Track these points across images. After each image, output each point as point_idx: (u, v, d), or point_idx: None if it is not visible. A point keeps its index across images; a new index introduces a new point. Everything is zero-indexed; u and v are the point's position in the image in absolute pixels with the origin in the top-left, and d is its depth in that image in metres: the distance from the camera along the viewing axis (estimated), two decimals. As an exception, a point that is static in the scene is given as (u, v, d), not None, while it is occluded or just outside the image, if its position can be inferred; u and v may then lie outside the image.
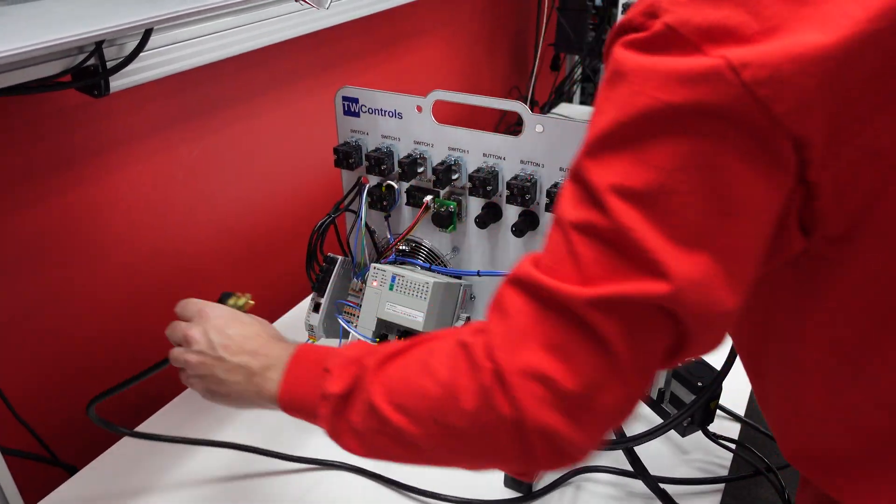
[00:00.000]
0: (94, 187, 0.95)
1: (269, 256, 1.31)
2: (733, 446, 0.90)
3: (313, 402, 0.57)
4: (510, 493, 0.85)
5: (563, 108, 2.14)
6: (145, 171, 1.02)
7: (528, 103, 1.97)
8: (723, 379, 0.84)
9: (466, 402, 0.48)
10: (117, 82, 0.82)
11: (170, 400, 1.01)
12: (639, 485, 0.86)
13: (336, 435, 0.57)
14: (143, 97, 0.98)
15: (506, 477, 0.85)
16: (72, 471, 0.90)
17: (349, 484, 0.87)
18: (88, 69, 0.77)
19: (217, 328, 0.68)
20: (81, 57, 0.75)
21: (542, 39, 2.04)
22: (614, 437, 0.78)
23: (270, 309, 1.24)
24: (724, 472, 0.88)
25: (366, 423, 0.54)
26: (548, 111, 2.08)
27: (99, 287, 1.00)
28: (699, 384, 0.84)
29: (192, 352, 0.68)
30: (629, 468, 0.85)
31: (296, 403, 0.60)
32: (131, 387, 0.79)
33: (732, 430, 0.94)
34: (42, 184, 0.89)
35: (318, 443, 0.92)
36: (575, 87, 2.29)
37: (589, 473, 0.87)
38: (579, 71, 2.24)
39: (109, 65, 0.78)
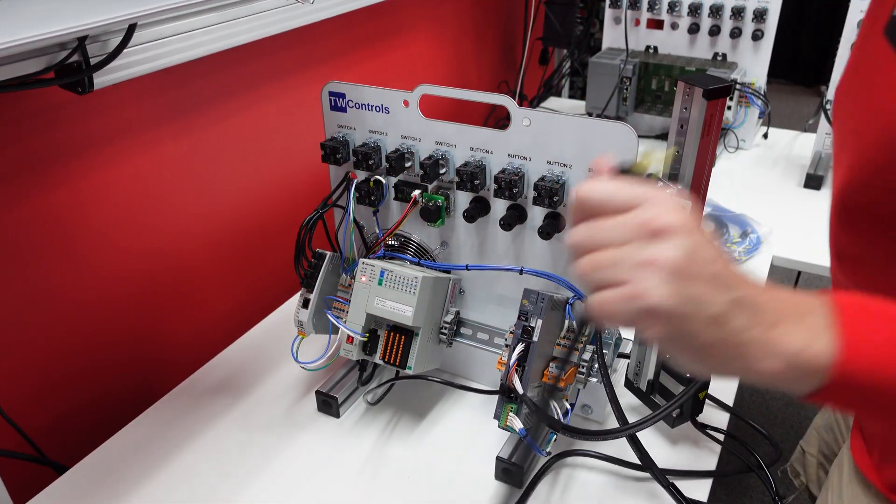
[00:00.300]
0: (79, 186, 0.95)
1: (258, 253, 1.30)
2: (722, 438, 0.91)
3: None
4: (502, 486, 0.85)
5: (551, 102, 2.14)
6: (132, 169, 1.02)
7: (517, 98, 1.97)
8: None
9: None
10: (101, 79, 0.82)
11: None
12: (627, 475, 0.86)
13: None
14: (128, 94, 0.97)
15: (496, 469, 0.86)
16: (61, 470, 0.89)
17: (333, 489, 0.87)
18: (72, 66, 0.77)
19: (696, 243, 0.44)
20: (64, 54, 0.75)
21: (529, 34, 2.04)
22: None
23: (260, 306, 1.24)
24: (714, 462, 0.88)
25: None
26: (537, 105, 2.08)
27: (86, 286, 1.00)
28: (688, 375, 0.84)
29: (667, 281, 0.43)
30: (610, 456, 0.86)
31: (883, 369, 0.42)
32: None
33: (722, 420, 0.94)
34: (27, 182, 0.89)
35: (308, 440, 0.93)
36: (563, 81, 2.29)
37: (578, 457, 0.88)
38: (568, 65, 2.24)
39: (93, 61, 0.77)
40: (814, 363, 0.43)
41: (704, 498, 0.82)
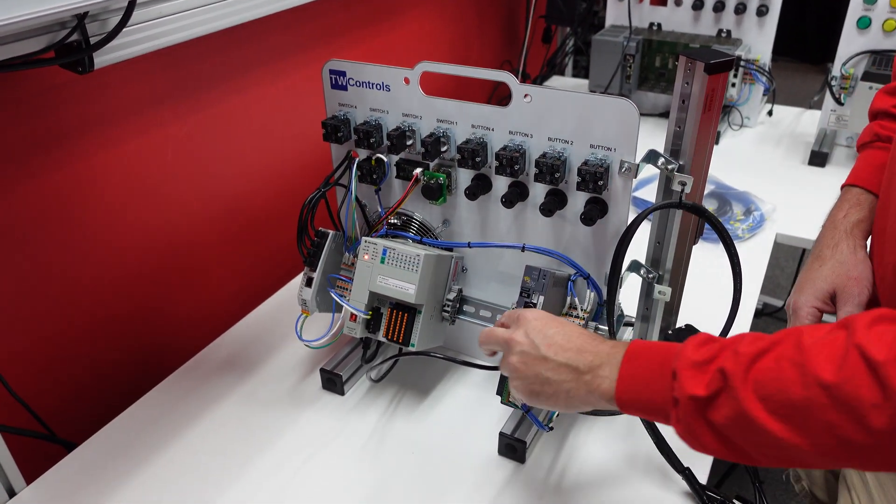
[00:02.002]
0: (83, 166, 0.95)
1: (261, 233, 1.31)
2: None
3: (661, 403, 0.56)
4: (505, 461, 0.86)
5: (555, 81, 2.13)
6: (135, 149, 1.02)
7: (520, 76, 1.96)
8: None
9: (877, 420, 0.44)
10: (102, 58, 0.82)
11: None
12: (626, 454, 0.87)
13: (690, 435, 0.55)
14: (130, 74, 0.97)
15: (500, 445, 0.86)
16: (70, 447, 0.91)
17: (338, 465, 0.88)
18: (72, 45, 0.77)
19: (538, 329, 0.67)
20: (64, 33, 0.75)
21: (532, 12, 2.02)
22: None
23: (265, 285, 1.25)
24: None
25: (732, 427, 0.52)
26: (540, 84, 2.07)
27: (92, 266, 1.01)
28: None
29: (515, 353, 0.68)
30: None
31: (638, 403, 0.59)
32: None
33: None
34: (31, 163, 0.89)
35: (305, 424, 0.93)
36: (567, 59, 2.28)
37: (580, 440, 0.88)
38: (571, 43, 2.23)
39: (93, 40, 0.77)
40: (608, 398, 0.61)
41: (704, 480, 0.83)
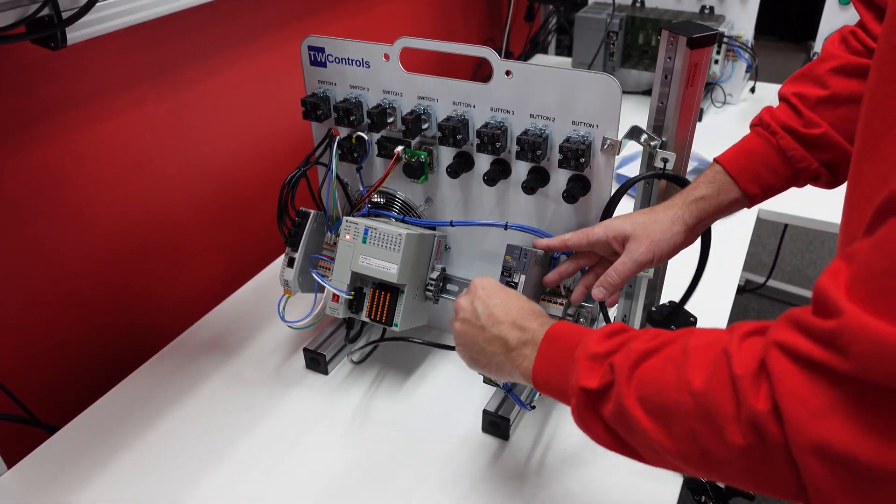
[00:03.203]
0: (58, 147, 0.93)
1: (244, 213, 1.30)
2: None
3: (565, 389, 0.57)
4: (489, 438, 0.86)
5: (538, 59, 2.11)
6: (112, 129, 1.00)
7: (503, 55, 1.95)
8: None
9: (732, 434, 0.44)
10: (75, 34, 0.80)
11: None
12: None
13: (584, 425, 0.56)
14: (105, 52, 0.95)
15: (483, 422, 0.87)
16: (52, 430, 0.90)
17: (323, 444, 0.88)
18: (43, 20, 0.75)
19: (482, 298, 0.69)
20: (34, 7, 0.73)
21: (515, -11, 2.00)
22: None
23: (249, 265, 1.24)
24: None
25: (617, 422, 0.52)
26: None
27: (72, 247, 0.99)
28: (672, 328, 0.85)
29: (459, 320, 0.70)
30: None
31: (549, 386, 0.60)
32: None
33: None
34: (2, 145, 0.87)
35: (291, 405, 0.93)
36: (550, 37, 2.26)
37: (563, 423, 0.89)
38: (554, 21, 2.21)
39: (65, 15, 0.75)
40: (527, 377, 0.62)
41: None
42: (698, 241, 0.81)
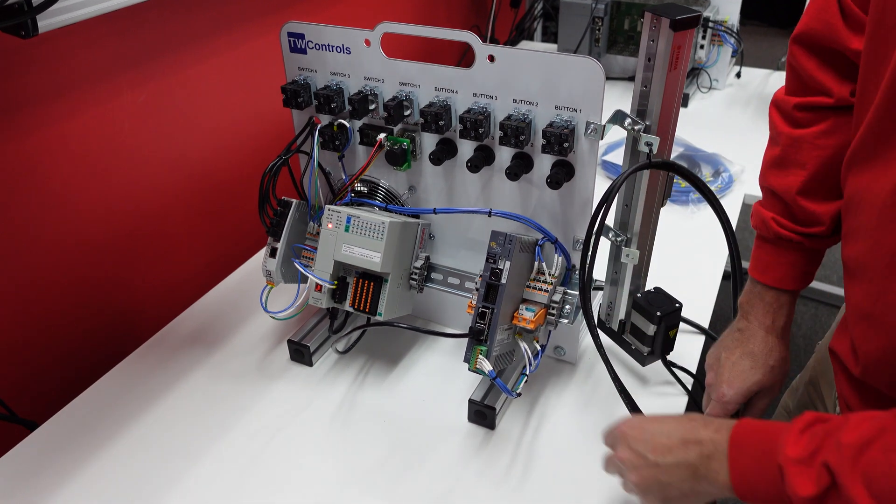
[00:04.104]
0: (32, 139, 0.91)
1: (227, 203, 1.28)
2: (691, 380, 0.92)
3: (780, 496, 0.54)
4: (475, 427, 0.86)
5: (524, 46, 2.10)
6: (88, 121, 0.99)
7: (488, 42, 1.93)
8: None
9: None
10: (46, 21, 0.78)
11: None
12: (596, 418, 0.87)
13: None
14: (79, 41, 0.93)
15: (469, 412, 0.86)
16: (32, 427, 0.89)
17: (308, 436, 0.87)
18: (13, 7, 0.73)
19: (636, 438, 0.66)
20: (3, -6, 0.71)
21: (500, -25, 1.98)
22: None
23: (232, 256, 1.22)
24: (684, 402, 0.90)
25: None
26: (509, 49, 2.04)
27: (49, 240, 0.98)
28: (658, 314, 0.85)
29: (629, 471, 0.66)
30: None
31: (758, 496, 0.57)
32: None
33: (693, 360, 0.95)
34: (-25, 134, 0.85)
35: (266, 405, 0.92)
36: (536, 23, 2.25)
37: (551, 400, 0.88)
38: (539, 7, 2.20)
39: (35, 1, 0.73)
40: (727, 489, 0.59)
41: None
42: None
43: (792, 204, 0.81)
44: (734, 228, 1.22)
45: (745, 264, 0.90)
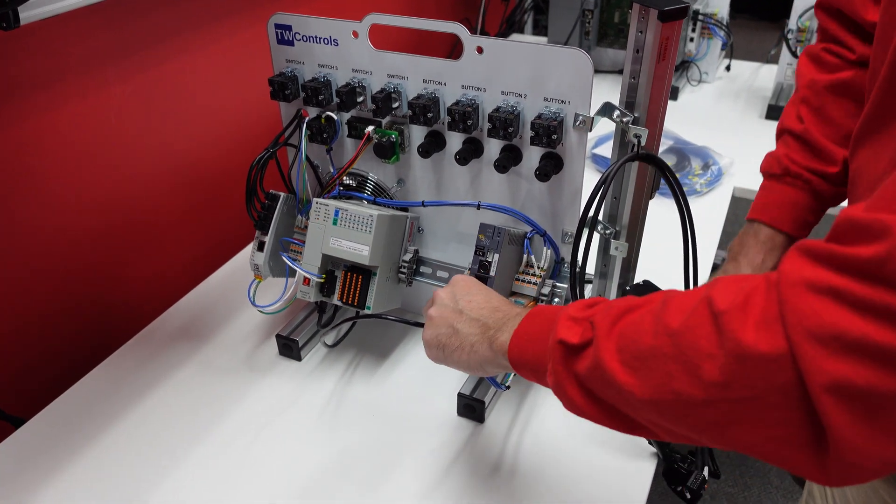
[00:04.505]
0: (14, 132, 0.90)
1: (216, 197, 1.27)
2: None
3: (542, 356, 0.56)
4: (464, 421, 0.85)
5: (515, 38, 2.09)
6: (74, 114, 0.97)
7: (479, 34, 1.93)
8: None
9: (708, 371, 0.42)
10: (28, 13, 0.77)
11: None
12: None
13: (559, 387, 0.54)
14: (64, 32, 0.92)
15: (458, 405, 0.86)
16: (18, 423, 0.88)
17: (297, 430, 0.87)
18: (-7, -1, 0.72)
19: (462, 287, 0.70)
20: (-17, -15, 0.70)
21: (490, -33, 1.97)
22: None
23: (220, 251, 1.21)
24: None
25: (592, 379, 0.51)
26: (499, 42, 2.04)
27: (35, 233, 0.96)
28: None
29: (436, 305, 0.70)
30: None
31: (525, 357, 0.59)
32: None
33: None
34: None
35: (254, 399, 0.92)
36: (526, 16, 2.24)
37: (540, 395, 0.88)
38: (529, 0, 2.19)
39: (16, -7, 0.73)
40: (503, 352, 0.61)
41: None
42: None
43: (806, 137, 0.83)
44: (723, 222, 1.24)
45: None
